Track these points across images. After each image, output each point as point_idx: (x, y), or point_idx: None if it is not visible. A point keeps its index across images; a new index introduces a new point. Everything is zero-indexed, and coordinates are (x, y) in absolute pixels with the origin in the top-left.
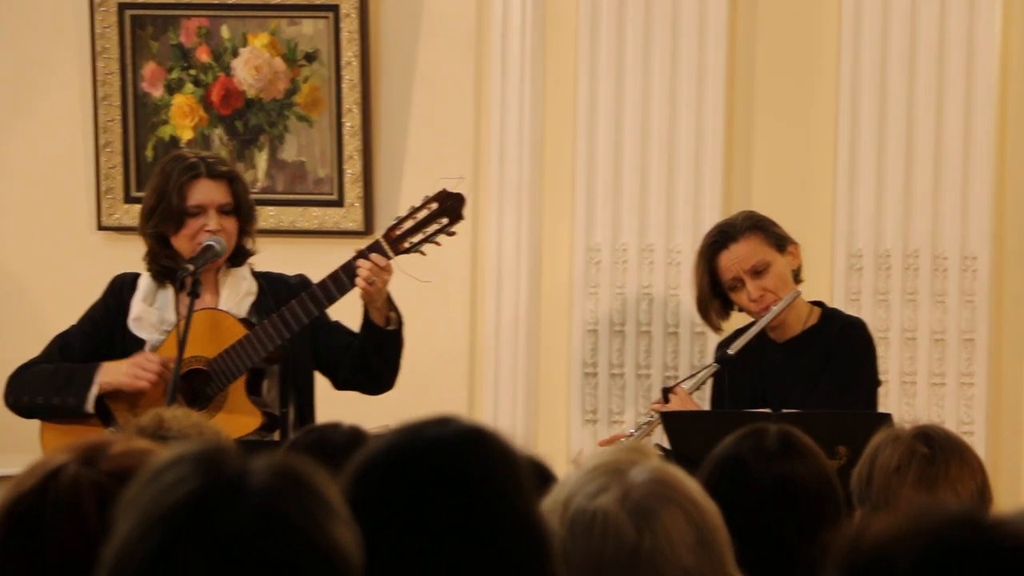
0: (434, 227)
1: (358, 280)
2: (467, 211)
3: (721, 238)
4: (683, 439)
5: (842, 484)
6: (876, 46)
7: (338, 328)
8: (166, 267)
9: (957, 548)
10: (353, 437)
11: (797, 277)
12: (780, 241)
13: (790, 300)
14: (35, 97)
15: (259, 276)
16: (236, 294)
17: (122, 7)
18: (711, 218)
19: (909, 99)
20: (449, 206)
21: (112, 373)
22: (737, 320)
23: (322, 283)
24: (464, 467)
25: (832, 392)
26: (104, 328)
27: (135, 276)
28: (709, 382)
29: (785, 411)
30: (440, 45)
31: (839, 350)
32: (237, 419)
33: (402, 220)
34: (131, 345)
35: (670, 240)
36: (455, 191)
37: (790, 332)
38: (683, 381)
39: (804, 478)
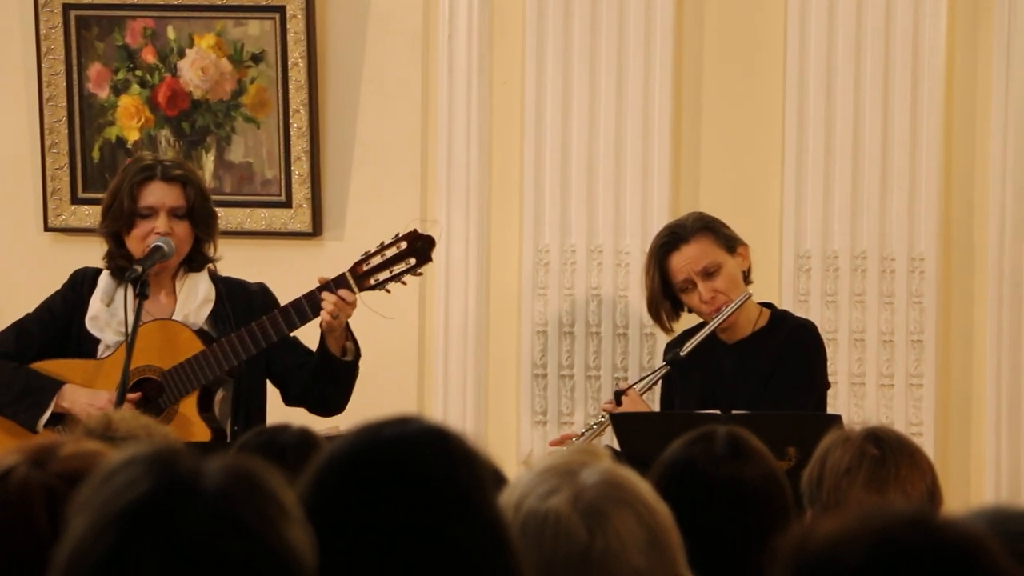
0: (401, 266)
1: (322, 312)
2: (416, 212)
3: (672, 239)
4: (632, 440)
5: (792, 485)
6: (822, 47)
7: (295, 346)
8: (121, 267)
9: (904, 548)
10: (303, 438)
11: (747, 278)
12: (730, 242)
13: (742, 302)
14: None
15: (219, 281)
16: (193, 300)
17: (67, 8)
18: (659, 219)
19: (856, 100)
20: (419, 247)
21: (71, 400)
22: (687, 320)
23: (285, 309)
24: (425, 466)
25: (782, 394)
26: (62, 319)
27: (96, 272)
28: (659, 383)
29: (735, 412)
30: (387, 46)
31: (789, 352)
32: (187, 433)
33: (369, 256)
34: (86, 342)
35: (619, 241)
36: (426, 233)
37: (740, 333)
38: (636, 383)
39: (753, 480)
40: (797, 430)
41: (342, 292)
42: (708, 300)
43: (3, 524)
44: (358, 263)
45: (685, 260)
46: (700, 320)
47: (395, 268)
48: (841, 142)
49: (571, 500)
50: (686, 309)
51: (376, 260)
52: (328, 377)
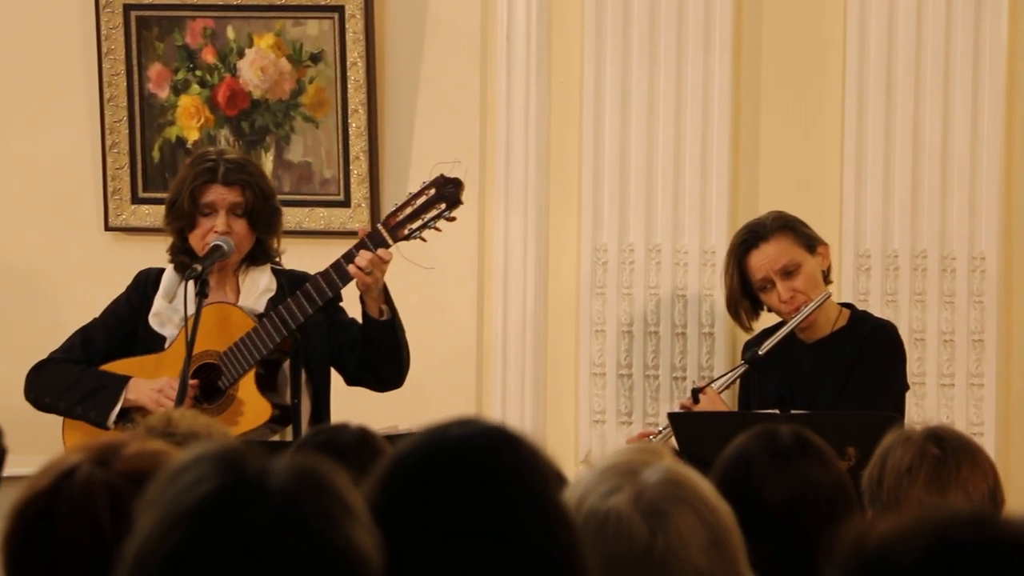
0: (432, 212)
1: (351, 268)
2: (474, 212)
3: (751, 238)
4: (691, 440)
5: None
6: (882, 45)
7: (351, 325)
8: (183, 262)
9: (961, 547)
10: (361, 438)
11: (826, 278)
12: (810, 241)
13: (821, 301)
14: (42, 98)
15: (281, 274)
16: (255, 291)
17: (127, 8)
18: (718, 218)
19: (916, 98)
20: (448, 191)
21: (137, 391)
22: (766, 320)
23: (325, 272)
24: (491, 466)
25: (860, 394)
26: (127, 323)
27: (159, 271)
28: (737, 382)
29: (794, 412)
30: (445, 45)
31: (868, 352)
32: (248, 411)
33: (400, 207)
34: (153, 341)
35: (677, 241)
36: (452, 176)
37: (819, 333)
38: (713, 381)
39: (819, 479)
40: (857, 430)
41: (380, 252)
42: (787, 299)
43: (67, 523)
44: (390, 215)
45: (764, 259)
46: (779, 319)
47: (426, 215)
48: (901, 140)
49: (632, 499)
50: (765, 308)
51: (407, 210)
52: (370, 342)
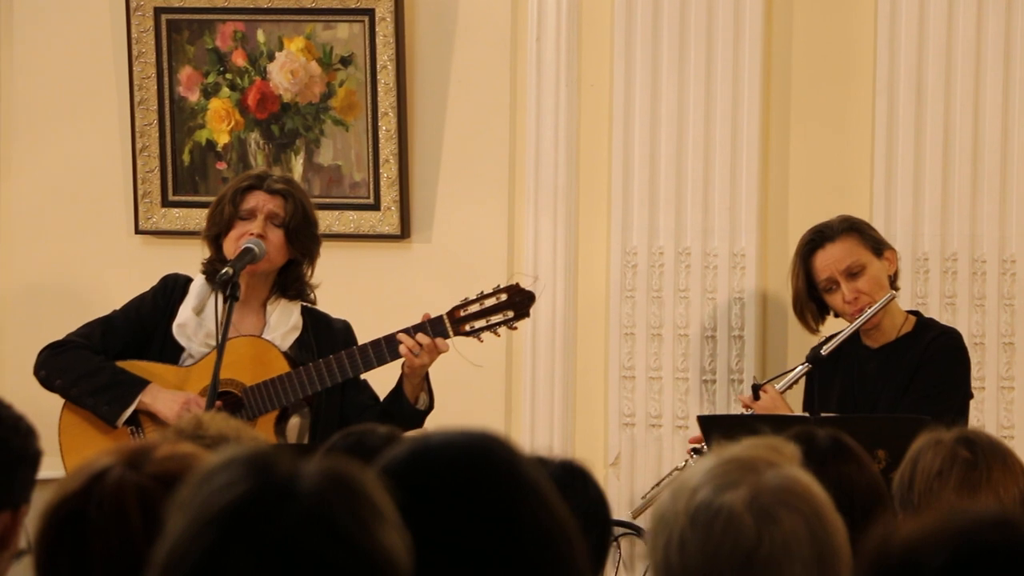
0: (499, 317)
1: (401, 348)
2: (503, 215)
3: (817, 238)
4: (719, 442)
5: None
6: (912, 48)
7: (364, 388)
8: (216, 270)
9: (986, 548)
10: (390, 440)
11: (893, 283)
12: (877, 245)
13: (885, 302)
14: (73, 101)
15: (305, 313)
16: (283, 325)
17: (158, 11)
18: (748, 221)
19: (946, 101)
20: (518, 301)
21: (154, 396)
22: (831, 326)
23: (376, 343)
24: (467, 478)
25: (922, 399)
26: (148, 322)
27: (187, 280)
28: (804, 383)
29: (824, 415)
30: (475, 48)
31: (930, 358)
32: None
33: (469, 303)
34: (169, 348)
35: (707, 244)
36: (528, 289)
37: (884, 338)
38: (773, 379)
39: (855, 481)
40: (887, 433)
41: (437, 341)
42: (851, 300)
43: (98, 525)
44: (456, 308)
45: (829, 259)
46: (846, 325)
47: (492, 318)
48: (931, 143)
49: (747, 499)
50: (832, 314)
51: (475, 308)
52: (389, 418)
